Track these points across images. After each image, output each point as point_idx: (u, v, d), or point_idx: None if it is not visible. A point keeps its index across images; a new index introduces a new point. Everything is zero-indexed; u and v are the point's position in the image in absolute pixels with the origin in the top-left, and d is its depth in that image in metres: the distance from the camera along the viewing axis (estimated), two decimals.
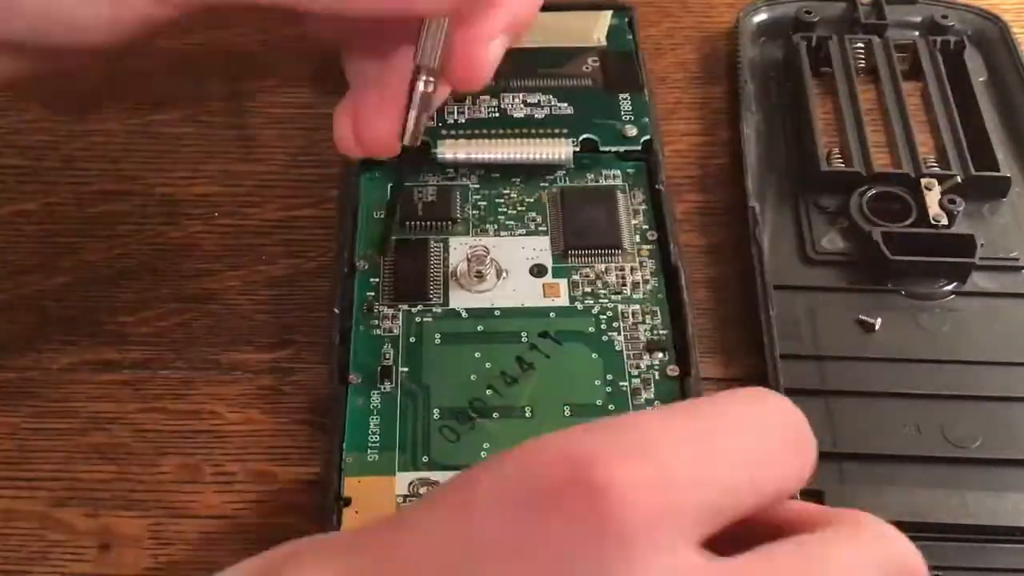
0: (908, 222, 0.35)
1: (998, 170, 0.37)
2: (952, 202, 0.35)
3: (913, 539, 0.28)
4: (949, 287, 0.34)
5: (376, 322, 0.33)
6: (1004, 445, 0.30)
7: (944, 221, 0.35)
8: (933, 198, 0.36)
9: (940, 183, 0.36)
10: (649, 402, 0.31)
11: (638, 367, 0.32)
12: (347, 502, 0.29)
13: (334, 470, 0.29)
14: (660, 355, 0.32)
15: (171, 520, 0.30)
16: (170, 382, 0.33)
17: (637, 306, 0.33)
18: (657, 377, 0.31)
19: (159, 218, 0.37)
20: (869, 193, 0.36)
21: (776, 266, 0.35)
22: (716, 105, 0.41)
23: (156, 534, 0.30)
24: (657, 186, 0.36)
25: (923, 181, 0.36)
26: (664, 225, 0.35)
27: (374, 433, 0.30)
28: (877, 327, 0.33)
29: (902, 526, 0.28)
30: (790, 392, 0.31)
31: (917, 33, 0.43)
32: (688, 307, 0.32)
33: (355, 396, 0.31)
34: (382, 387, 0.31)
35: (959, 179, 0.36)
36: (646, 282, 0.34)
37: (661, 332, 0.32)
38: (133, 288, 0.35)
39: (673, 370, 0.31)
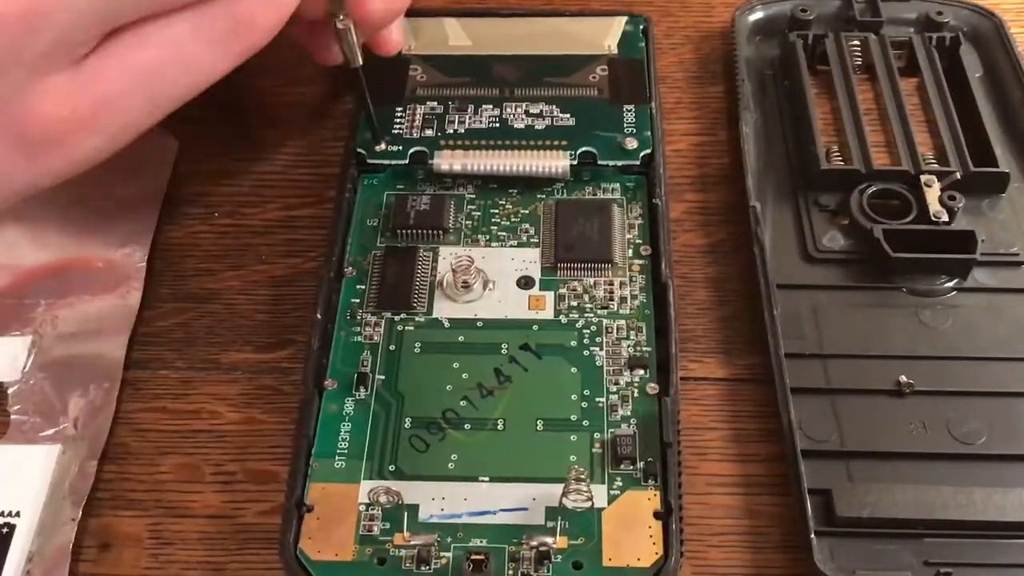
0: (908, 219, 0.35)
1: (996, 166, 0.37)
2: (952, 198, 0.35)
3: (922, 536, 0.28)
4: (950, 283, 0.34)
5: (357, 329, 0.33)
6: (1009, 441, 0.30)
7: (944, 218, 0.35)
8: (933, 195, 0.36)
9: (939, 180, 0.36)
10: (625, 419, 0.30)
11: (617, 383, 0.31)
12: (309, 508, 0.28)
13: (299, 475, 0.29)
14: (641, 372, 0.31)
15: (171, 520, 0.30)
16: (170, 382, 0.33)
17: (622, 321, 0.33)
18: (636, 394, 0.31)
19: (159, 218, 0.36)
20: (869, 191, 0.36)
21: (778, 265, 0.34)
22: (716, 104, 0.41)
23: (156, 534, 0.30)
24: (655, 200, 0.35)
25: (922, 178, 0.36)
26: (658, 241, 0.34)
27: (343, 440, 0.30)
28: (880, 326, 0.33)
29: (911, 523, 0.28)
30: (796, 391, 0.31)
31: (912, 30, 0.43)
32: (674, 326, 0.32)
33: (329, 402, 0.31)
34: (357, 394, 0.31)
35: (958, 175, 0.36)
36: (634, 297, 0.33)
37: (644, 349, 0.32)
38: None
39: (653, 388, 0.31)
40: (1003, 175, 0.37)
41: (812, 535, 0.28)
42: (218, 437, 0.32)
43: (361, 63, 0.33)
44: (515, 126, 0.37)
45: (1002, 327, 0.33)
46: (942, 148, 0.38)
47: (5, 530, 0.29)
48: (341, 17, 0.32)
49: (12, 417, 0.31)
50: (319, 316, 0.32)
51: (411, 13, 0.38)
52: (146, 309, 0.34)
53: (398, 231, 0.35)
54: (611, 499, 0.29)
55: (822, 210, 0.36)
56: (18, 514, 0.29)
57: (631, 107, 0.38)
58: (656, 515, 0.28)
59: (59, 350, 0.33)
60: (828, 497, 0.29)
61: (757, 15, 0.43)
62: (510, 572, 0.27)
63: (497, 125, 0.38)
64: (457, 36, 0.40)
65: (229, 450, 0.31)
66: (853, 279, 0.35)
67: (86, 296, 0.34)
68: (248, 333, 0.34)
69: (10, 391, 0.32)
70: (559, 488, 0.28)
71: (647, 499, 0.29)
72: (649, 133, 0.37)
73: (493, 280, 0.34)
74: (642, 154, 0.36)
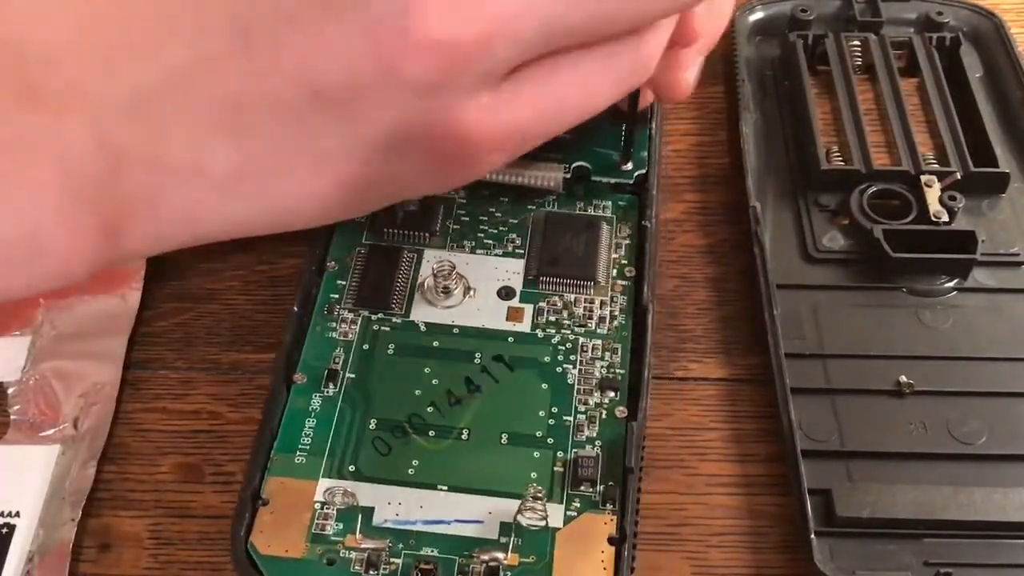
0: (909, 219, 0.35)
1: (997, 166, 0.37)
2: (952, 198, 0.35)
3: (922, 536, 0.29)
4: (951, 284, 0.34)
5: (333, 325, 0.32)
6: (1010, 441, 0.30)
7: (944, 218, 0.35)
8: (933, 195, 0.36)
9: (939, 180, 0.36)
10: (590, 440, 0.30)
11: (586, 403, 0.31)
12: (264, 502, 0.28)
13: (257, 468, 0.29)
14: (611, 394, 0.31)
15: (171, 520, 0.30)
16: (170, 382, 0.33)
17: (599, 341, 0.32)
18: (604, 416, 0.30)
19: None
20: (869, 191, 0.36)
21: (778, 265, 0.34)
22: (715, 105, 0.41)
23: (156, 534, 0.30)
24: (644, 223, 0.35)
25: (923, 178, 0.36)
26: (644, 263, 0.34)
27: (307, 436, 0.30)
28: (880, 326, 0.33)
29: (911, 523, 0.28)
30: (796, 391, 0.31)
31: (913, 30, 0.43)
32: (650, 351, 0.31)
33: (296, 396, 0.31)
34: (325, 390, 0.31)
35: (958, 175, 0.36)
36: (613, 318, 0.33)
37: (618, 371, 0.31)
38: None
39: (622, 411, 0.30)
40: (1003, 175, 0.37)
41: (812, 535, 0.28)
42: (218, 437, 0.32)
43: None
44: None
45: (1002, 327, 0.33)
46: (942, 148, 0.38)
47: (5, 530, 0.29)
48: None
49: (12, 417, 0.31)
50: (295, 309, 0.32)
51: None
52: (146, 309, 0.34)
53: (384, 230, 0.35)
54: (567, 520, 0.28)
55: (822, 210, 0.36)
56: (18, 514, 0.29)
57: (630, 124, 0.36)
58: (610, 540, 0.28)
59: (59, 350, 0.33)
60: (828, 497, 0.29)
61: (757, 15, 0.43)
62: None
63: None
64: None
65: (229, 450, 0.31)
66: (853, 279, 0.35)
67: (86, 296, 0.34)
68: (248, 333, 0.34)
69: (10, 391, 0.32)
70: (516, 504, 0.28)
71: (603, 523, 0.28)
72: (645, 153, 0.36)
73: (474, 287, 0.33)
74: (636, 174, 0.36)
